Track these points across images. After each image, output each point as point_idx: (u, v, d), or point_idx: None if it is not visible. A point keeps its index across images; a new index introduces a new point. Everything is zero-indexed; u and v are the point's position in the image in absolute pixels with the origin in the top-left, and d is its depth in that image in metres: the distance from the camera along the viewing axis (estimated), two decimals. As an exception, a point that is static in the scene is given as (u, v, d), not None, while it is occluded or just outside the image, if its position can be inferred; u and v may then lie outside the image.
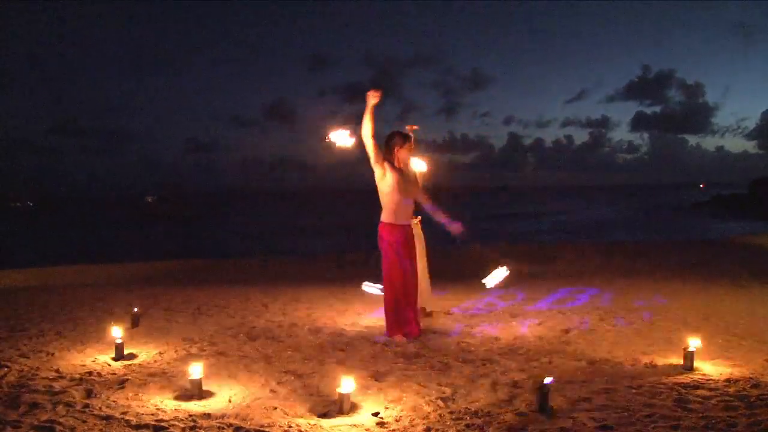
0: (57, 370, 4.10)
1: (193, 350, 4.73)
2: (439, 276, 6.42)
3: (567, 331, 5.30)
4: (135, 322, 5.63)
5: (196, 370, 3.57)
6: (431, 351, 4.65)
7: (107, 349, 4.65)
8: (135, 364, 4.28)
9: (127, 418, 3.17)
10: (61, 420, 3.13)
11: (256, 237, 32.62)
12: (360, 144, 5.13)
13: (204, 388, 3.59)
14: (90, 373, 4.05)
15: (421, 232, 6.01)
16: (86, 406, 3.36)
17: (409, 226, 5.26)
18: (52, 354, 4.58)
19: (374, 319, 5.94)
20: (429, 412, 3.27)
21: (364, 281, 6.10)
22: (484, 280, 5.21)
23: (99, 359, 4.41)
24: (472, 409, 3.31)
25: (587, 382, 3.76)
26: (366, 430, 3.06)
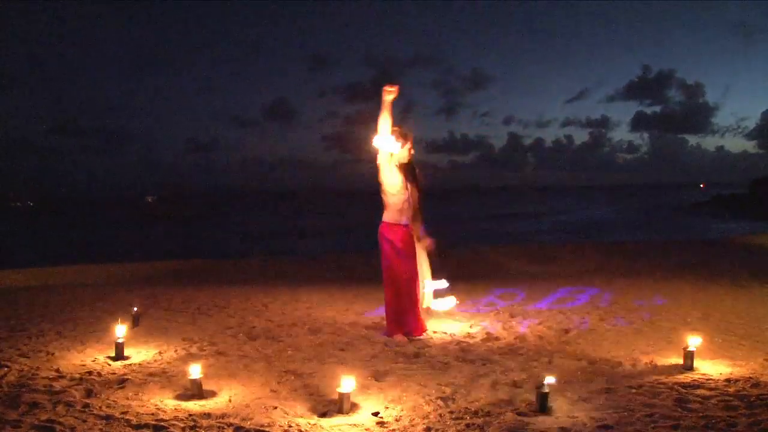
0: (57, 370, 4.10)
1: (193, 350, 4.74)
2: (439, 276, 6.41)
3: (567, 331, 5.30)
4: (135, 322, 5.63)
5: (195, 370, 3.57)
6: (431, 351, 4.65)
7: (107, 349, 4.65)
8: (135, 364, 4.29)
9: (127, 418, 3.17)
10: (61, 420, 3.14)
11: (256, 237, 32.60)
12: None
13: (204, 387, 3.59)
14: (90, 373, 4.05)
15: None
16: (86, 405, 3.37)
17: (410, 226, 5.25)
18: (52, 354, 4.58)
19: (374, 319, 5.94)
20: (429, 412, 3.28)
21: (425, 279, 5.31)
22: (432, 302, 5.34)
23: (99, 359, 4.41)
24: (472, 409, 3.31)
25: (587, 382, 3.76)
26: (366, 430, 3.06)
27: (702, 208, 46.80)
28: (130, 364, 4.28)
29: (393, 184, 5.07)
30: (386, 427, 3.08)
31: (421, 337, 5.11)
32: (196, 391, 3.53)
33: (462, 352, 4.59)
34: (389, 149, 5.04)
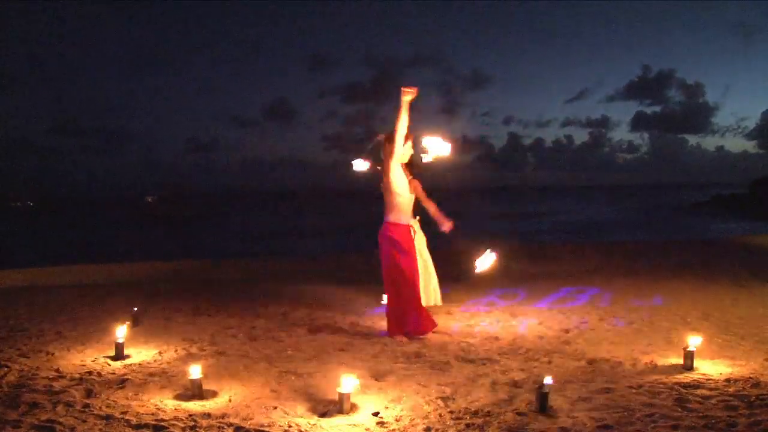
0: (57, 370, 4.10)
1: (193, 350, 4.74)
2: (439, 276, 6.42)
3: (567, 331, 5.30)
4: (135, 322, 5.63)
5: (196, 370, 3.57)
6: (431, 351, 4.65)
7: (107, 349, 4.65)
8: (135, 364, 4.29)
9: (127, 418, 3.17)
10: (61, 420, 3.14)
11: (256, 237, 32.59)
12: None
13: (204, 387, 3.59)
14: (90, 373, 4.06)
15: (422, 231, 6.02)
16: (86, 406, 3.37)
17: (411, 225, 5.31)
18: (52, 354, 4.58)
19: (374, 318, 5.94)
20: (429, 412, 3.28)
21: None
22: (476, 263, 5.34)
23: (99, 359, 4.41)
24: (472, 409, 3.31)
25: (587, 382, 3.76)
26: (366, 429, 3.06)
27: (702, 208, 46.77)
28: (130, 364, 4.28)
29: (402, 185, 5.12)
30: (386, 427, 3.08)
31: (425, 335, 5.12)
32: (196, 391, 3.53)
33: (462, 352, 4.59)
34: (440, 152, 5.10)
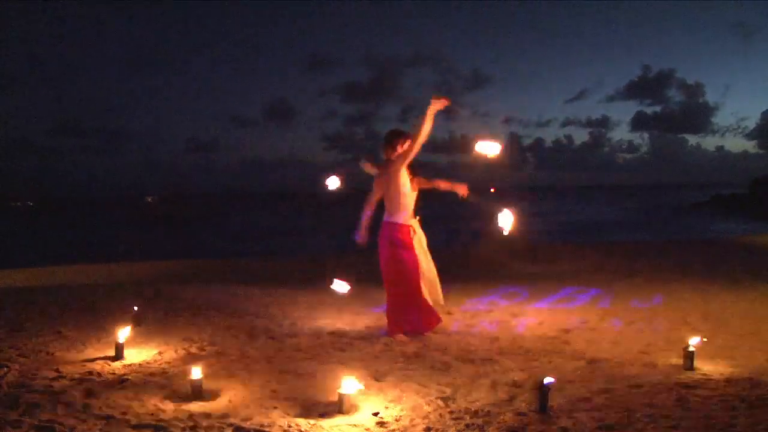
0: (57, 370, 4.10)
1: (193, 350, 4.74)
2: (439, 276, 6.41)
3: (567, 331, 5.30)
4: (135, 322, 5.62)
5: (196, 370, 3.57)
6: (431, 351, 4.65)
7: (107, 349, 4.65)
8: (135, 364, 4.29)
9: (127, 418, 3.17)
10: (61, 420, 3.14)
11: (256, 237, 32.59)
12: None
13: (204, 388, 3.59)
14: (90, 373, 4.06)
15: (422, 231, 6.02)
16: (86, 406, 3.37)
17: (411, 225, 5.36)
18: (52, 354, 4.58)
19: (374, 318, 5.94)
20: (429, 412, 3.28)
21: (334, 280, 5.73)
22: (500, 225, 5.20)
23: (99, 359, 4.41)
24: (472, 409, 3.31)
25: (587, 382, 3.76)
26: (366, 429, 3.06)
27: (702, 208, 46.76)
28: (130, 365, 4.28)
29: (408, 184, 5.21)
30: (386, 427, 3.08)
31: (427, 333, 5.13)
32: (196, 391, 3.53)
33: (462, 352, 4.59)
34: (491, 154, 5.13)
